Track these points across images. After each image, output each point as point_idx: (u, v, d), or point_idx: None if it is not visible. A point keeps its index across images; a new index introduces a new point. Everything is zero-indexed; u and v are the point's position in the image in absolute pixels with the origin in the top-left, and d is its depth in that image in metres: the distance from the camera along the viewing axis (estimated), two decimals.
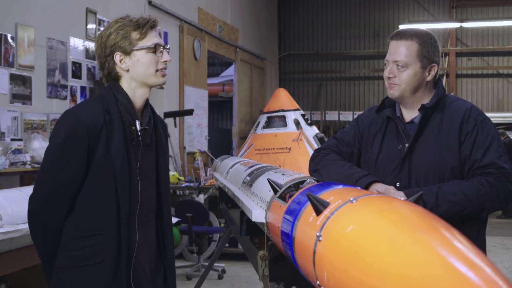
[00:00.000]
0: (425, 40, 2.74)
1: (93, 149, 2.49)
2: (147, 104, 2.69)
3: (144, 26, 2.58)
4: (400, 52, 2.72)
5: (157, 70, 2.60)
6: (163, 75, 2.63)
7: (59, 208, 2.51)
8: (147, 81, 2.61)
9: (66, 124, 2.51)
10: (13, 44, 6.33)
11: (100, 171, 2.49)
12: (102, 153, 2.49)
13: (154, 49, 2.58)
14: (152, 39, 2.59)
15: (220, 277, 7.70)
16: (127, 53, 2.57)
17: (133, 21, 2.58)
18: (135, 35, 2.57)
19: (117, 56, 2.58)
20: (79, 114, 2.49)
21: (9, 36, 6.28)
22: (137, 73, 2.59)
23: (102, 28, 7.87)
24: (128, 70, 2.59)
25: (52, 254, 2.56)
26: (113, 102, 2.57)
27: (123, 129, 2.55)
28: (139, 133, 2.58)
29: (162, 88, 8.24)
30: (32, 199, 2.55)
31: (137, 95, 2.62)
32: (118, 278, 2.50)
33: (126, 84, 2.62)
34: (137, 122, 2.58)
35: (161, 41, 2.63)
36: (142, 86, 2.62)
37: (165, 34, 9.85)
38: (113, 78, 2.64)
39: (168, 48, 2.68)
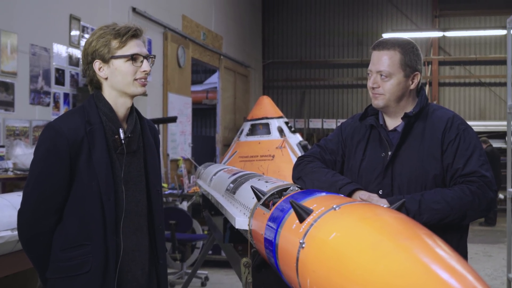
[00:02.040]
0: (407, 49, 2.75)
1: (76, 160, 2.48)
2: (132, 111, 2.67)
3: (125, 35, 2.54)
4: (383, 62, 2.73)
5: (135, 80, 2.56)
6: (143, 85, 2.59)
7: (47, 219, 2.51)
8: (126, 90, 2.58)
9: (47, 137, 2.51)
10: None
11: (84, 181, 2.49)
12: (85, 163, 2.48)
13: (132, 58, 2.55)
14: (131, 48, 2.56)
15: (203, 285, 7.68)
16: (105, 61, 2.55)
17: (115, 30, 2.56)
18: (114, 43, 2.54)
19: (96, 64, 2.57)
20: (59, 126, 2.49)
21: None
22: (115, 81, 2.57)
23: (85, 35, 7.84)
24: (107, 78, 2.58)
25: (46, 265, 2.56)
26: (94, 112, 2.56)
27: (106, 138, 2.54)
28: (122, 141, 2.57)
29: (145, 95, 8.23)
30: (20, 213, 2.55)
31: (119, 104, 2.60)
32: (106, 287, 2.49)
33: (107, 92, 2.60)
34: (121, 131, 2.57)
35: (143, 51, 2.59)
36: (122, 95, 2.59)
37: (149, 41, 9.83)
38: (95, 86, 2.63)
39: (154, 57, 2.66)
